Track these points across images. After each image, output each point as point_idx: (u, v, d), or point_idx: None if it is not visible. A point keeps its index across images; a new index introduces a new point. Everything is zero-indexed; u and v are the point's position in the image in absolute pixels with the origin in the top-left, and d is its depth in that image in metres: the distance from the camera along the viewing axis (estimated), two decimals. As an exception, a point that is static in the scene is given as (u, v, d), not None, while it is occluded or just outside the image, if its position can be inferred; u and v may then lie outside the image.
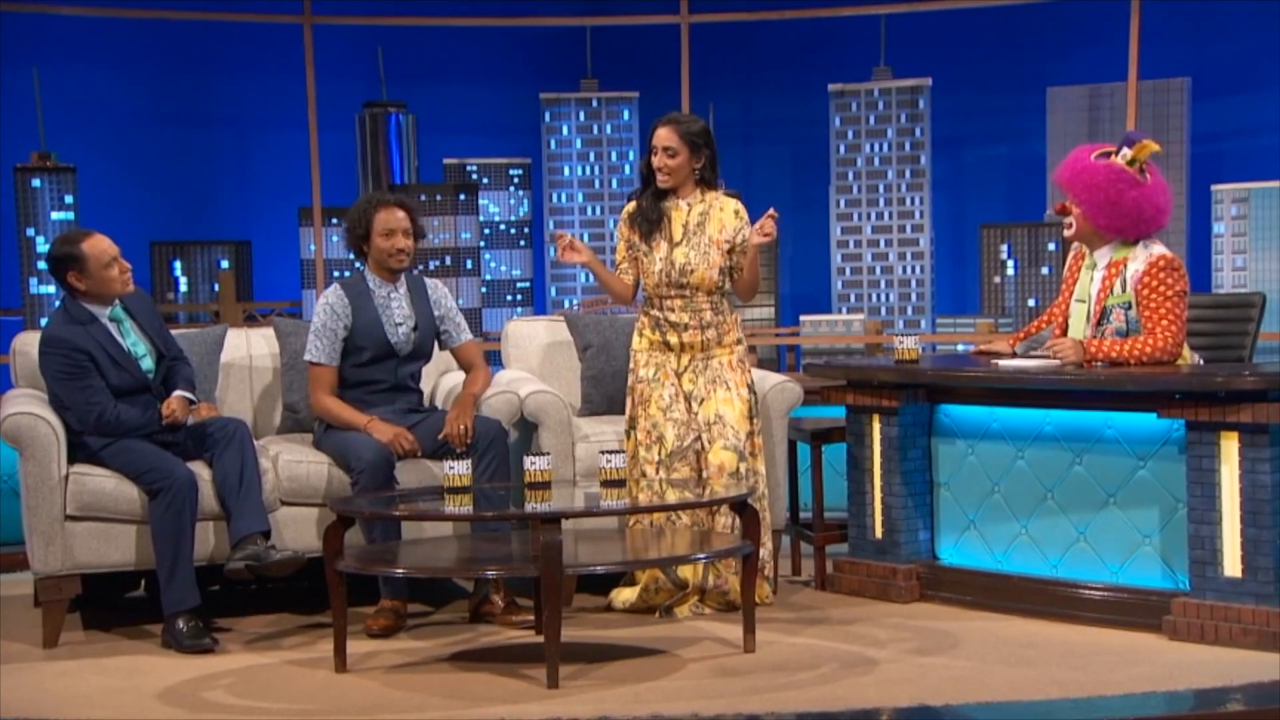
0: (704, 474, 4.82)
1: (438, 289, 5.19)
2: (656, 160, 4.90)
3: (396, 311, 4.99)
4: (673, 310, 4.89)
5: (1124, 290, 4.68)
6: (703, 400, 4.88)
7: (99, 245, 4.70)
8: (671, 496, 4.62)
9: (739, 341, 4.97)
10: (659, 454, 4.85)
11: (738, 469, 4.79)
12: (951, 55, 10.01)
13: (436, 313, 5.09)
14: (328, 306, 4.97)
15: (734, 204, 4.98)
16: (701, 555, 4.40)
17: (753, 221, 4.87)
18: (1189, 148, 9.90)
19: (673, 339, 4.90)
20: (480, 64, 9.75)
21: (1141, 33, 8.17)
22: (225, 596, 5.11)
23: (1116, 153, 4.74)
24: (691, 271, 4.86)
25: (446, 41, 9.31)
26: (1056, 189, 4.89)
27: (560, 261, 5.08)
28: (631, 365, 4.98)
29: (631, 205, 4.99)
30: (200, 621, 4.52)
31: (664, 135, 4.88)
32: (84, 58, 9.09)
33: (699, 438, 4.85)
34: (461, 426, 4.82)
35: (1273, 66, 8.98)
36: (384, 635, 4.60)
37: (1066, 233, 4.83)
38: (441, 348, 5.16)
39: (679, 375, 4.91)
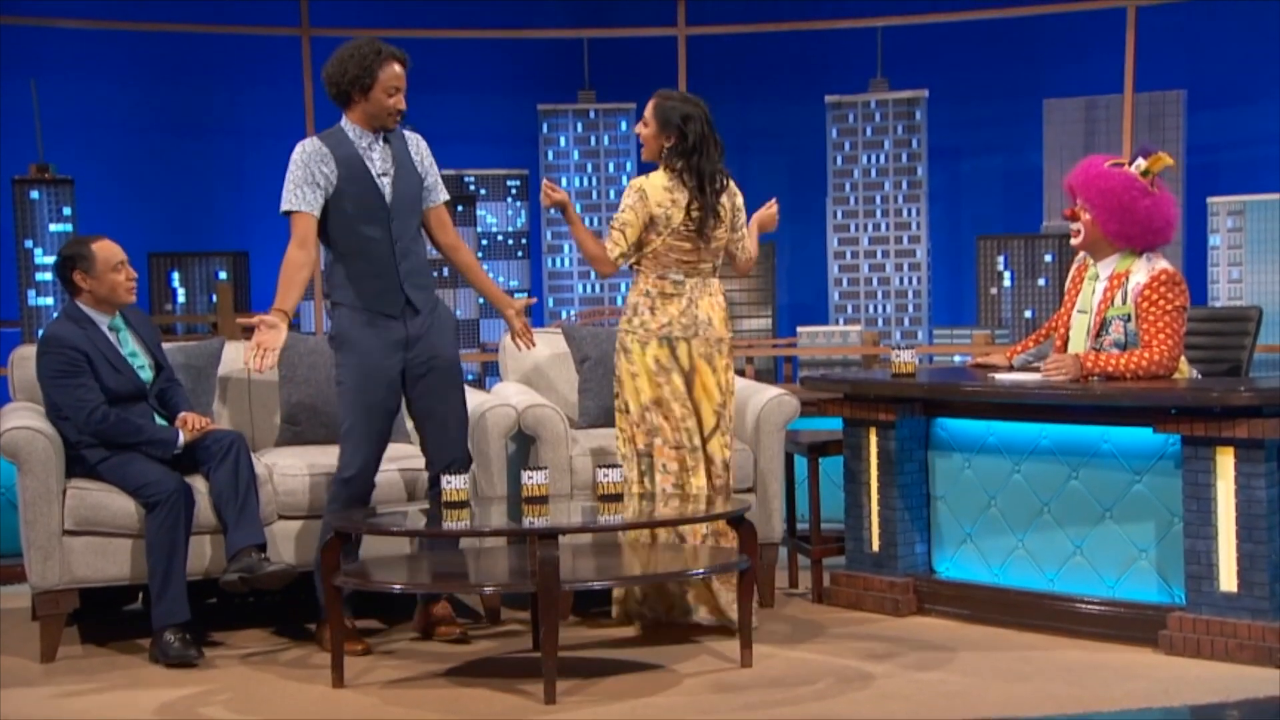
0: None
1: (419, 141, 4.77)
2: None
3: (379, 161, 4.60)
4: None
5: (1124, 302, 4.69)
6: None
7: (108, 248, 4.77)
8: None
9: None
10: None
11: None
12: (948, 67, 10.02)
13: (420, 163, 4.71)
14: (304, 155, 4.54)
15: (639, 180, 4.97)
16: (698, 570, 4.40)
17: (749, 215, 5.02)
18: (1185, 159, 9.92)
19: None
20: (478, 76, 9.77)
21: (1137, 45, 8.19)
22: (222, 610, 5.11)
23: (1130, 163, 4.76)
24: None
25: (444, 53, 9.33)
26: (1065, 194, 4.89)
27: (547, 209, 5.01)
28: None
29: None
30: (189, 635, 4.52)
31: (647, 105, 4.94)
32: (82, 70, 9.11)
33: None
34: (522, 326, 4.82)
35: (1268, 79, 9.01)
36: (366, 653, 4.56)
37: (1074, 240, 4.84)
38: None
39: None
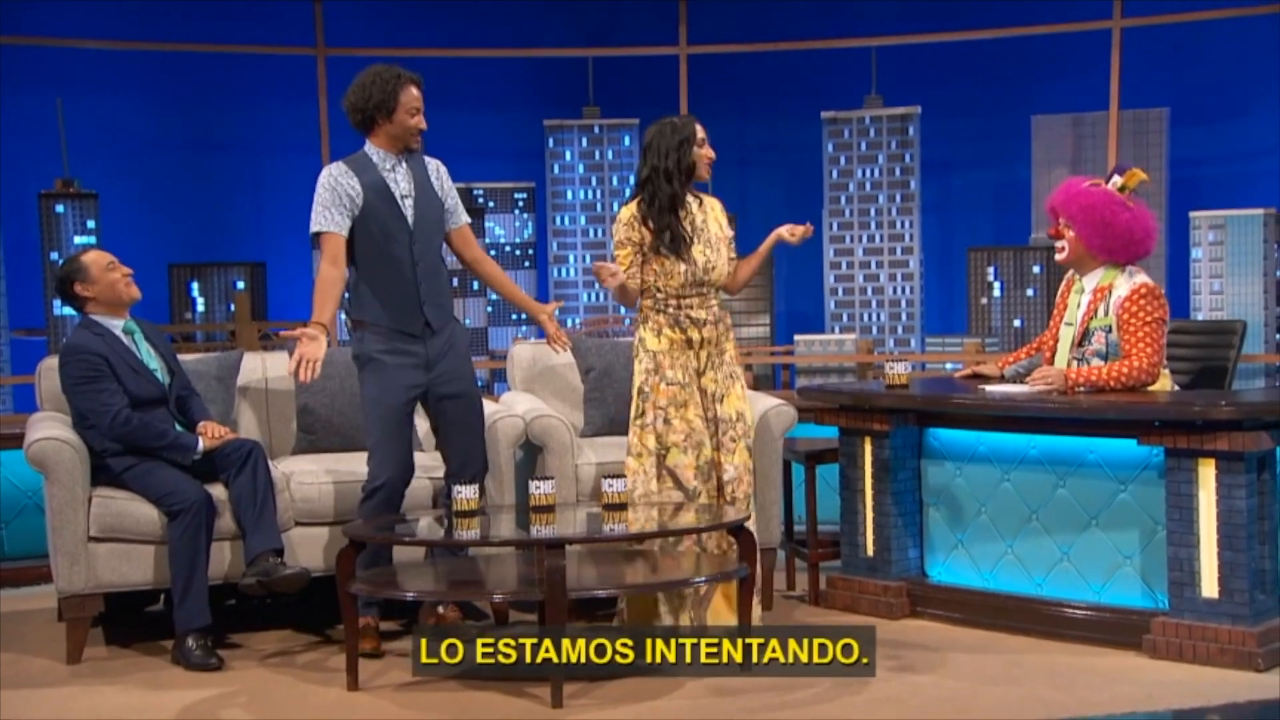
0: (725, 476, 4.86)
1: (439, 167, 4.91)
2: (708, 152, 4.96)
3: (402, 184, 4.76)
4: (692, 308, 4.93)
5: (1106, 314, 4.85)
6: (723, 397, 4.92)
7: (96, 254, 4.99)
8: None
9: (730, 328, 5.08)
10: (697, 459, 4.85)
11: (750, 464, 4.96)
12: (940, 85, 10.15)
13: (440, 187, 4.87)
14: (330, 178, 4.69)
15: (719, 203, 5.11)
16: (699, 579, 4.53)
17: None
18: (1168, 175, 10.06)
19: (694, 335, 4.93)
20: (487, 93, 9.91)
21: (1122, 64, 8.35)
22: (241, 612, 5.24)
23: (1107, 181, 4.95)
24: (713, 269, 4.95)
25: (455, 71, 9.48)
26: (1047, 216, 5.07)
27: (604, 286, 5.12)
28: (652, 365, 4.90)
29: (636, 209, 4.95)
30: (209, 640, 4.66)
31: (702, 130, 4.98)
32: (106, 88, 9.23)
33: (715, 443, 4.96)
34: (556, 330, 5.02)
35: (1249, 97, 9.18)
36: (375, 655, 4.68)
37: (1059, 257, 5.00)
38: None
39: (699, 375, 4.93)
